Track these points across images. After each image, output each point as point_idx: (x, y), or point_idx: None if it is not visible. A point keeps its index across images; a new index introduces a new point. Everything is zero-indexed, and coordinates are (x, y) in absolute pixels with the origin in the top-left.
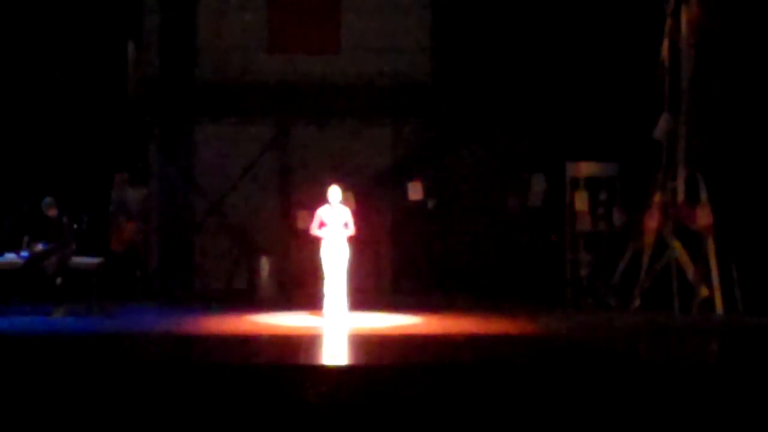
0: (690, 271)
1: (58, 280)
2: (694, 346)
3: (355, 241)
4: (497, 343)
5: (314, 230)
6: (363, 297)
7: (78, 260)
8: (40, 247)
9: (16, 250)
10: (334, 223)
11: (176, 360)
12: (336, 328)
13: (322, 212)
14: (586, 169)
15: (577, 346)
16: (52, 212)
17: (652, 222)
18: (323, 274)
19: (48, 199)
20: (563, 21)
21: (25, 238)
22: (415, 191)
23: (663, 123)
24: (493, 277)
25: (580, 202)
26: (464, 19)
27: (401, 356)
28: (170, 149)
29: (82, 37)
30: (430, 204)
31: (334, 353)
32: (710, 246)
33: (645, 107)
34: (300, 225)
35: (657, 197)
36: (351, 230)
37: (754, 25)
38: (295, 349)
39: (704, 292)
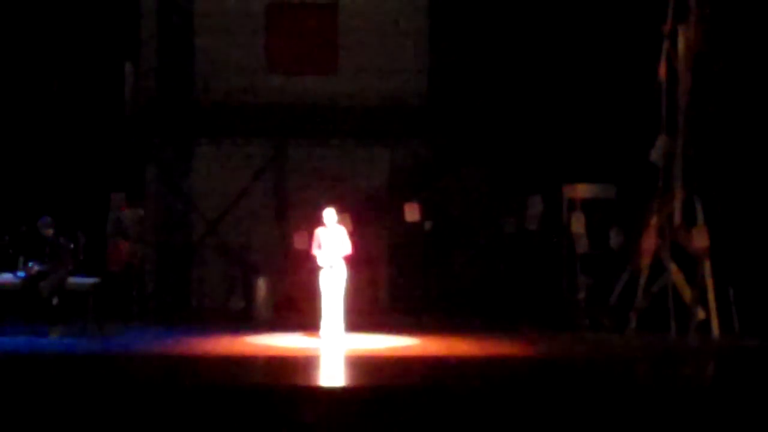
0: (686, 294)
1: (55, 301)
2: (690, 369)
3: (352, 263)
4: (494, 364)
5: (315, 251)
6: (359, 318)
7: (74, 280)
8: (36, 267)
9: (12, 270)
10: (330, 245)
11: (173, 381)
12: (332, 349)
13: (319, 233)
14: (583, 191)
15: (573, 367)
16: (49, 231)
17: (648, 244)
18: (320, 295)
19: (46, 219)
20: (560, 43)
21: (21, 258)
22: (411, 213)
23: (660, 145)
24: (490, 299)
25: (577, 224)
26: (461, 40)
27: (397, 377)
28: (167, 169)
29: (81, 58)
30: (427, 226)
31: (331, 374)
32: (707, 268)
33: (642, 129)
34: (297, 246)
35: (654, 219)
36: (347, 248)
37: (751, 47)
38: (291, 370)
39: (701, 314)
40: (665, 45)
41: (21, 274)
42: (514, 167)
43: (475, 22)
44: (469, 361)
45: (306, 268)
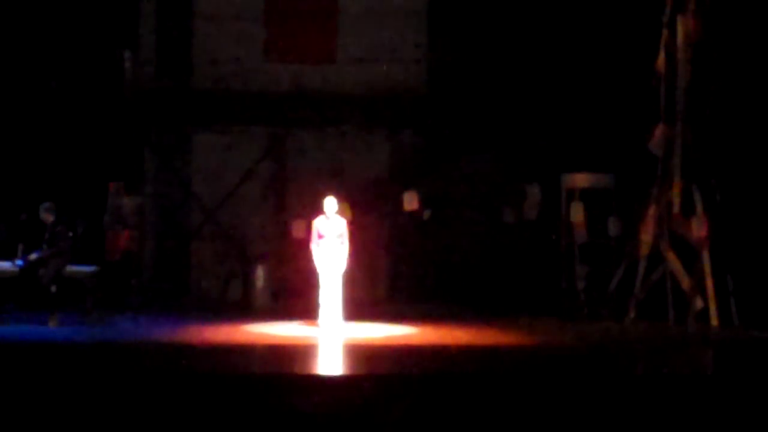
0: (685, 283)
1: (53, 289)
2: (688, 358)
3: (351, 251)
4: (492, 353)
5: (314, 245)
6: (358, 307)
7: (73, 269)
8: (35, 255)
9: (11, 258)
10: (330, 234)
11: (171, 369)
12: (331, 337)
13: (318, 223)
14: (581, 180)
15: (571, 356)
16: (49, 217)
17: (647, 233)
18: (318, 283)
19: (47, 204)
20: (559, 33)
21: (20, 247)
22: (410, 201)
23: (659, 134)
24: (489, 287)
25: (576, 213)
26: (460, 29)
27: (396, 366)
28: (166, 158)
29: (79, 46)
30: (426, 214)
31: (329, 363)
32: (705, 258)
33: (641, 119)
34: (295, 234)
35: (652, 209)
36: (345, 247)
37: (750, 37)
38: (290, 359)
39: (699, 303)
40: (664, 34)
41: (20, 262)
42: (512, 156)
43: (474, 11)
44: (468, 350)
45: (304, 256)
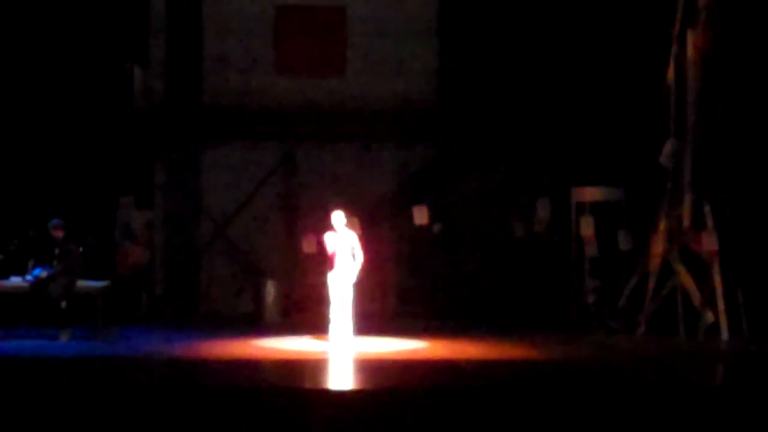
0: (695, 296)
1: (64, 304)
2: (699, 371)
3: (361, 266)
4: (502, 367)
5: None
6: (368, 321)
7: (83, 284)
8: (45, 271)
9: (22, 274)
10: (340, 248)
11: (182, 383)
12: (341, 352)
13: (328, 238)
14: (591, 194)
15: (582, 370)
16: (59, 233)
17: (657, 247)
18: (328, 298)
19: (56, 220)
20: (570, 46)
21: (31, 262)
22: (420, 216)
23: (669, 148)
24: (499, 301)
25: (586, 227)
26: (470, 42)
27: (406, 381)
28: (176, 173)
29: (89, 61)
30: (436, 228)
31: (339, 377)
32: (716, 271)
33: (651, 132)
34: (306, 249)
35: (663, 222)
36: (359, 261)
37: (760, 50)
38: (300, 373)
39: (710, 317)
40: (674, 48)
41: (30, 278)
42: (522, 170)
43: (485, 24)
44: (478, 364)
45: (315, 271)
